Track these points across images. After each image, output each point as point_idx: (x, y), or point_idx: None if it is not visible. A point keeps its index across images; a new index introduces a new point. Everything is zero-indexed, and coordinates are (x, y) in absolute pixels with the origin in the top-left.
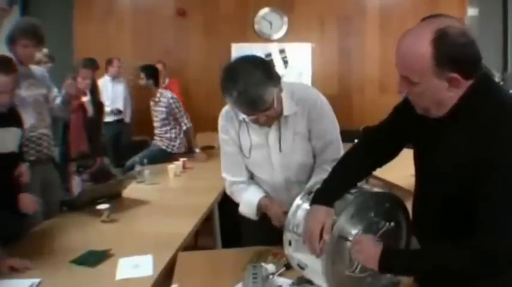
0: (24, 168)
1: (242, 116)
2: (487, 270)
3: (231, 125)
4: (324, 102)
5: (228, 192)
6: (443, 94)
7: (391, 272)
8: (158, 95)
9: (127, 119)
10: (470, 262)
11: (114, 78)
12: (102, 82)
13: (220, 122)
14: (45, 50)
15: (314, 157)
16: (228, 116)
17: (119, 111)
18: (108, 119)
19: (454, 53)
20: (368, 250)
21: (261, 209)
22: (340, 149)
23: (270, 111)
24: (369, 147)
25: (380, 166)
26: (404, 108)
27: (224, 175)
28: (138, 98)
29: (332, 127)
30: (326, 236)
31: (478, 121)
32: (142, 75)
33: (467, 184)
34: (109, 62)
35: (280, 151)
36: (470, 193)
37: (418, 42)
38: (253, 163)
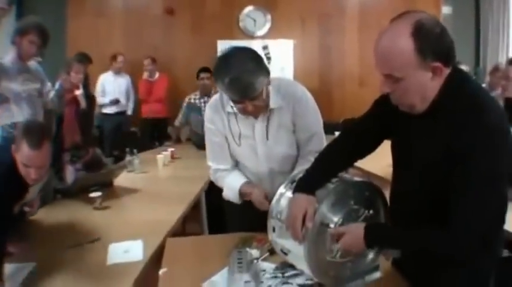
0: (37, 201)
1: (230, 106)
2: (459, 255)
3: (217, 116)
4: (309, 98)
5: (213, 179)
6: (428, 85)
7: (378, 244)
8: None
9: (129, 112)
10: (444, 246)
11: (117, 72)
12: (105, 76)
13: (207, 113)
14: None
15: (298, 148)
16: (215, 108)
17: (117, 101)
18: (108, 111)
19: (434, 43)
20: (352, 232)
21: (243, 195)
22: (323, 141)
23: (257, 101)
24: (350, 140)
25: (360, 157)
26: (383, 102)
27: (209, 163)
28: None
29: (316, 121)
30: (308, 224)
31: (452, 114)
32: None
33: (440, 174)
34: (113, 58)
35: (266, 140)
36: (444, 184)
37: (398, 38)
38: (239, 153)
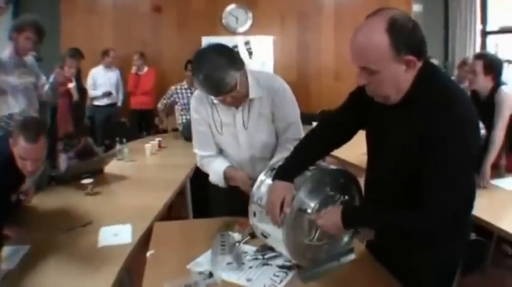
0: (32, 190)
1: (211, 98)
2: (430, 232)
3: (202, 106)
4: (287, 90)
5: (199, 165)
6: (402, 78)
7: (354, 225)
8: None
9: (119, 103)
10: (417, 224)
11: (108, 66)
12: (96, 70)
13: (193, 103)
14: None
15: (277, 136)
16: (199, 99)
17: (110, 93)
18: (100, 103)
19: (407, 37)
20: (330, 215)
21: (228, 179)
22: (300, 131)
23: (234, 93)
24: (327, 131)
25: (337, 147)
26: (358, 94)
27: (195, 150)
28: None
29: (293, 111)
30: (286, 209)
31: (424, 105)
32: None
33: (413, 162)
34: (105, 53)
35: (245, 129)
36: (416, 170)
37: (374, 33)
38: (222, 141)
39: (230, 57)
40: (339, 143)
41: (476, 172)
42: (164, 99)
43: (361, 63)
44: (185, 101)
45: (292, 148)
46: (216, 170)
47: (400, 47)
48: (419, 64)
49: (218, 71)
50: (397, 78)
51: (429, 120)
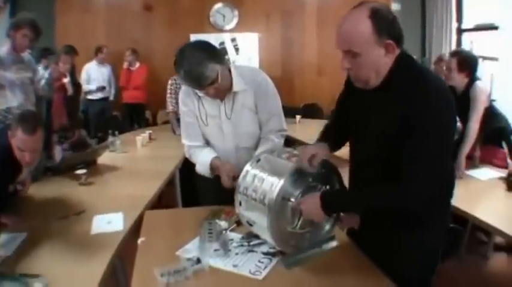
0: (28, 180)
1: (197, 91)
2: (409, 206)
3: (189, 99)
4: (269, 83)
5: (187, 155)
6: (381, 61)
7: (334, 208)
8: None
9: (111, 98)
10: (396, 198)
11: (101, 62)
12: (90, 66)
13: (181, 96)
14: None
15: (260, 127)
16: (186, 92)
17: (103, 88)
18: (94, 97)
19: (388, 23)
20: (310, 202)
21: (213, 170)
22: (283, 122)
23: (216, 85)
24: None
25: (339, 147)
26: (342, 99)
27: (183, 140)
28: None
29: (275, 104)
30: (314, 162)
31: (403, 87)
32: None
33: (394, 143)
34: (99, 49)
35: (229, 119)
36: (397, 152)
37: (358, 20)
38: (208, 132)
39: (209, 52)
40: (339, 144)
41: (452, 162)
42: (171, 97)
43: (345, 47)
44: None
45: (275, 139)
46: (202, 161)
47: (381, 31)
48: (397, 51)
49: (197, 65)
50: (377, 61)
51: (408, 101)
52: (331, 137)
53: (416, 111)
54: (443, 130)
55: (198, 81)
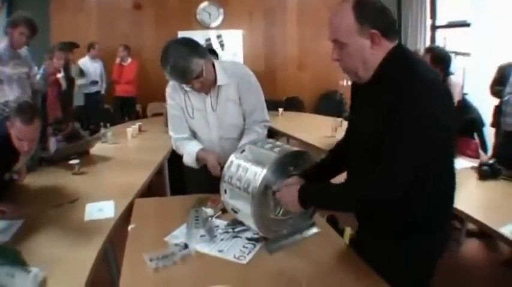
0: (24, 169)
1: (183, 85)
2: (382, 196)
3: (176, 93)
4: (251, 76)
5: (174, 147)
6: (367, 52)
7: (310, 203)
8: None
9: (103, 91)
10: (369, 189)
11: (93, 58)
12: (84, 61)
13: (168, 91)
14: None
15: (244, 119)
16: (173, 87)
17: (96, 82)
18: (88, 91)
19: (372, 13)
20: (288, 194)
21: (199, 160)
22: (265, 113)
23: (201, 79)
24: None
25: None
26: (351, 106)
27: (171, 133)
28: None
29: (257, 96)
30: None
31: (393, 79)
32: None
33: (383, 134)
34: (91, 46)
35: (214, 112)
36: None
37: (342, 10)
38: (194, 124)
39: (192, 47)
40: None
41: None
42: None
43: (332, 36)
44: None
45: (259, 130)
46: (189, 152)
47: (363, 20)
48: (386, 42)
49: (181, 60)
50: (363, 52)
51: (395, 92)
52: (337, 155)
53: (402, 103)
54: (429, 124)
55: (183, 75)
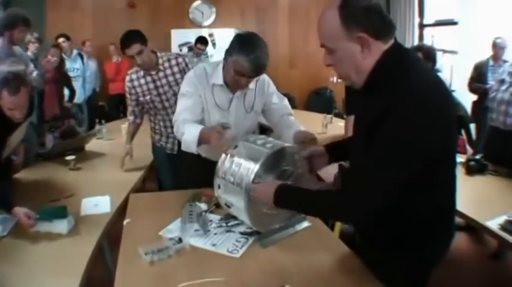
0: (22, 148)
1: (216, 78)
2: (348, 217)
3: (200, 85)
4: (270, 80)
5: (175, 129)
6: (358, 57)
7: (284, 205)
8: None
9: (97, 89)
10: (338, 209)
11: (88, 57)
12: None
13: (191, 77)
14: (35, 34)
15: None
16: (200, 77)
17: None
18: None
19: (357, 14)
20: (264, 191)
21: (201, 140)
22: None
23: (252, 79)
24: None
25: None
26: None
27: (179, 116)
28: None
29: (278, 95)
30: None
31: (384, 90)
32: None
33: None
34: (83, 43)
35: (234, 112)
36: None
37: (328, 12)
38: (207, 119)
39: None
40: None
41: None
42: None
43: (320, 41)
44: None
45: (292, 118)
46: (191, 132)
47: (350, 23)
48: (378, 44)
49: (265, 56)
50: (354, 57)
51: (383, 104)
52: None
53: (388, 116)
54: (412, 142)
55: (258, 69)
